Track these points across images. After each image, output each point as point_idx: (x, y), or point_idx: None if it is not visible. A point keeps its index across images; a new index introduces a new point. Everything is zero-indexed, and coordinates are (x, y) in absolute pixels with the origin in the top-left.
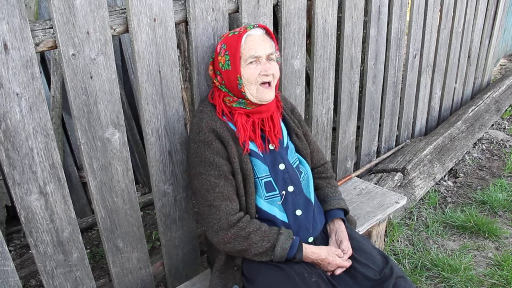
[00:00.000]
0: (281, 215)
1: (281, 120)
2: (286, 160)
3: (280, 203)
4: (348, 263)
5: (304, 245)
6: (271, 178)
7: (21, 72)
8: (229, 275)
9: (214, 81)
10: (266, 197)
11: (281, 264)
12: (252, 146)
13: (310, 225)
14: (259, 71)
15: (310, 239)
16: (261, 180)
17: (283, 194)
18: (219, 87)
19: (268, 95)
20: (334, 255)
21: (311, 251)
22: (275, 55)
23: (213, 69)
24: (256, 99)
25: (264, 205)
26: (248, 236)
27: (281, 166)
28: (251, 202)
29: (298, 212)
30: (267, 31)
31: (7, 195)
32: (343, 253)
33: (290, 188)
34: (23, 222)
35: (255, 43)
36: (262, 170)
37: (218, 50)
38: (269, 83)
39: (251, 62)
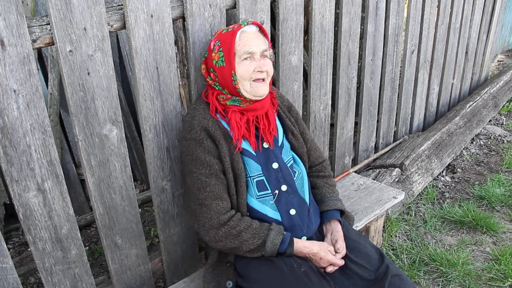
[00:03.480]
0: (273, 214)
1: (276, 118)
2: (280, 159)
3: (272, 202)
4: (341, 262)
5: (296, 240)
6: (263, 177)
7: (18, 69)
8: (222, 271)
9: (208, 79)
10: (257, 196)
11: (272, 258)
12: (245, 145)
13: (304, 224)
14: (254, 68)
15: (304, 239)
16: (253, 179)
17: (275, 193)
18: (213, 85)
19: (262, 90)
20: (327, 251)
21: (303, 245)
22: (269, 52)
23: (206, 67)
24: (250, 94)
25: (255, 204)
26: (239, 234)
27: (275, 165)
28: (242, 201)
29: (292, 212)
30: (260, 29)
31: (5, 192)
32: (337, 252)
33: (283, 188)
34: (21, 219)
35: (250, 40)
36: (254, 169)
37: (212, 47)
38: (263, 79)
39: (245, 59)
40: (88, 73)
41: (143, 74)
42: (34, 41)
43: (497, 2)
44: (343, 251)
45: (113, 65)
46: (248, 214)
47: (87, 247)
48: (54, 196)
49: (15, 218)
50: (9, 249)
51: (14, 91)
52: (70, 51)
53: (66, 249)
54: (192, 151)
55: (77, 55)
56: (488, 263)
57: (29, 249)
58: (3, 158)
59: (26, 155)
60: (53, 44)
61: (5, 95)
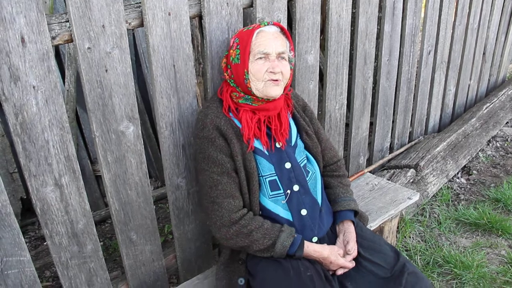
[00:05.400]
0: (285, 214)
1: (291, 118)
2: (293, 158)
3: (284, 202)
4: (351, 265)
5: (307, 243)
6: (276, 177)
7: (37, 65)
8: (234, 269)
9: (225, 74)
10: (270, 195)
11: (281, 259)
12: (257, 144)
13: (316, 225)
14: (267, 68)
15: (314, 239)
16: (266, 178)
17: (287, 193)
18: (228, 81)
19: (274, 91)
20: (337, 255)
21: (313, 250)
22: (288, 55)
23: (226, 62)
24: (262, 94)
25: (268, 203)
26: (250, 233)
27: (287, 165)
28: (254, 200)
29: (303, 212)
30: (282, 30)
31: (23, 187)
32: (348, 254)
33: (296, 188)
34: (39, 214)
35: (266, 40)
36: (266, 168)
37: (231, 44)
38: (277, 80)
39: (259, 58)
40: (106, 70)
41: (160, 71)
42: (53, 38)
43: None
44: (354, 252)
45: (130, 62)
46: (260, 213)
47: (102, 243)
48: (71, 191)
49: (31, 213)
50: (25, 243)
51: (34, 87)
52: (89, 48)
53: (82, 243)
54: (205, 149)
55: (95, 52)
56: (503, 266)
57: (45, 243)
58: (22, 153)
59: (44, 150)
60: (72, 41)
61: (25, 91)
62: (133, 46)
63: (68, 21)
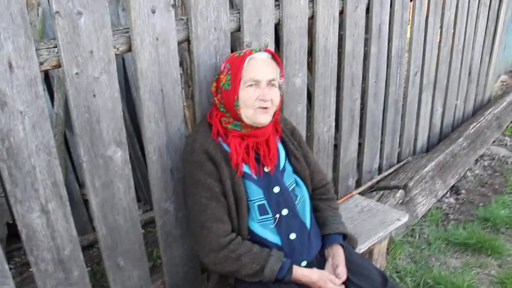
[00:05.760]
0: (274, 238)
1: (279, 142)
2: (282, 183)
3: (273, 226)
4: None
5: (295, 268)
6: (264, 201)
7: (25, 91)
8: None
9: (215, 98)
10: (259, 220)
11: (271, 284)
12: (246, 169)
13: (305, 249)
14: (257, 95)
15: (303, 263)
16: (254, 203)
17: (276, 217)
18: (218, 105)
19: (263, 119)
20: (326, 280)
21: (302, 274)
22: (278, 82)
23: (216, 87)
24: (251, 121)
25: (256, 228)
26: (238, 258)
27: (276, 189)
28: (243, 224)
29: (292, 236)
30: (273, 57)
31: (9, 212)
32: (338, 277)
33: (284, 212)
34: (24, 240)
35: (257, 67)
36: (255, 193)
37: (222, 69)
38: (266, 107)
39: (250, 85)
40: (94, 95)
41: (148, 96)
42: (41, 63)
43: (499, 24)
44: (343, 276)
45: (118, 87)
46: (249, 237)
47: (90, 268)
48: (58, 217)
49: (18, 238)
50: (10, 269)
51: (21, 112)
52: (77, 73)
53: (68, 270)
54: (193, 174)
55: (83, 78)
56: (494, 286)
57: (30, 269)
58: (8, 179)
59: (31, 176)
60: (60, 66)
61: (12, 116)
62: (122, 69)
63: (56, 47)
